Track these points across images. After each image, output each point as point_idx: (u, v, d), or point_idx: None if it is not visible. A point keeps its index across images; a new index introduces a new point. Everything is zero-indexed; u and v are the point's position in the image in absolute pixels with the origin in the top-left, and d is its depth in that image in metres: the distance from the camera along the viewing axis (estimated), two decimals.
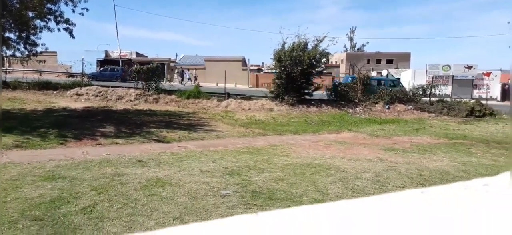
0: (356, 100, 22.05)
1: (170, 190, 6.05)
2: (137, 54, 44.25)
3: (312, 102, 21.35)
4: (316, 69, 21.84)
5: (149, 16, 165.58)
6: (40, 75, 29.03)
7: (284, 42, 20.89)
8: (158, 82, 21.91)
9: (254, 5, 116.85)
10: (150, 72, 21.48)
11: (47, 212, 4.97)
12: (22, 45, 14.74)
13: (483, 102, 23.29)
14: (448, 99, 23.58)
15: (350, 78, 26.33)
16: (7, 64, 27.66)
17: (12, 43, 14.52)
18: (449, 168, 8.71)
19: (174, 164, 8.10)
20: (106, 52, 42.99)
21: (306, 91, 21.66)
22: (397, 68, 45.49)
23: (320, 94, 22.90)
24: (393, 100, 21.97)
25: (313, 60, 20.78)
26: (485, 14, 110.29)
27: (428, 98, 23.12)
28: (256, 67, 45.62)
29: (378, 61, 56.03)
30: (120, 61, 39.11)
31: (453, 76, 33.97)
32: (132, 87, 21.56)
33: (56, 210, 5.05)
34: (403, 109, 21.23)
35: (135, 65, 23.89)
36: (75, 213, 4.98)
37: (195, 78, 34.20)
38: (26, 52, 15.15)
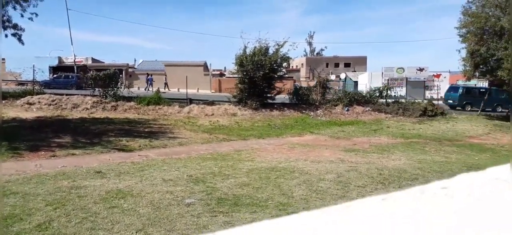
0: (317, 103, 22.58)
1: (132, 201, 5.85)
2: (93, 60, 42.52)
3: (275, 106, 21.59)
4: (278, 74, 22.14)
5: (105, 20, 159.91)
6: None
7: (246, 47, 21.02)
8: (115, 89, 21.17)
9: (216, 6, 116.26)
10: (107, 79, 20.72)
11: None
12: None
13: (435, 102, 24.70)
14: (403, 100, 24.76)
15: (460, 88, 26.60)
16: None
17: None
18: (406, 166, 9.13)
19: (135, 174, 7.85)
20: (60, 58, 40.91)
21: (268, 95, 21.87)
22: (355, 71, 47.12)
23: (283, 98, 23.22)
24: (352, 102, 22.73)
25: (274, 65, 21.05)
26: (434, 20, 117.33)
27: (385, 100, 24.15)
28: (218, 72, 45.40)
29: (337, 65, 57.78)
30: (75, 67, 37.38)
31: (406, 78, 35.72)
32: (88, 95, 20.68)
33: (9, 229, 4.71)
34: (361, 110, 22.02)
35: (91, 72, 22.93)
36: (29, 230, 4.68)
37: (165, 84, 33.41)
38: None
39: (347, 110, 21.97)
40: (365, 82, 32.79)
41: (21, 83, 28.47)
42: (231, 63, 23.56)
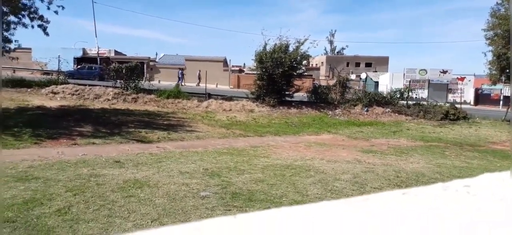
0: (336, 103, 22.35)
1: (148, 192, 5.96)
2: (116, 52, 43.40)
3: (293, 104, 21.51)
4: (297, 71, 22.04)
5: (129, 13, 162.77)
6: (14, 72, 28.02)
7: (266, 44, 20.99)
8: (137, 81, 21.54)
9: (236, 5, 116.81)
10: (129, 71, 21.10)
11: (19, 214, 4.80)
12: None
13: (457, 106, 24.06)
14: (425, 103, 24.23)
15: None
16: None
17: None
18: (425, 170, 8.94)
19: (153, 165, 7.99)
20: (84, 50, 41.96)
21: (287, 92, 21.80)
22: (376, 71, 46.39)
23: (301, 96, 23.10)
24: (371, 103, 22.40)
25: (294, 62, 20.95)
26: (457, 21, 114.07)
27: (405, 102, 23.68)
28: (238, 68, 45.56)
29: (357, 65, 57.05)
30: (98, 59, 38.25)
31: (429, 80, 34.92)
32: (110, 86, 21.11)
33: (29, 212, 4.88)
34: (381, 112, 21.67)
35: (114, 64, 23.40)
36: (49, 215, 4.83)
37: (199, 79, 33.81)
38: None
39: (367, 110, 21.66)
40: (386, 83, 32.24)
41: (47, 73, 29.32)
42: (251, 59, 23.64)
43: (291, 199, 6.03)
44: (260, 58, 20.70)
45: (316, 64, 54.15)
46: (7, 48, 14.88)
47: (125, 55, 43.83)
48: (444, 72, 35.15)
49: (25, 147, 9.38)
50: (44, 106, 16.47)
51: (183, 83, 31.36)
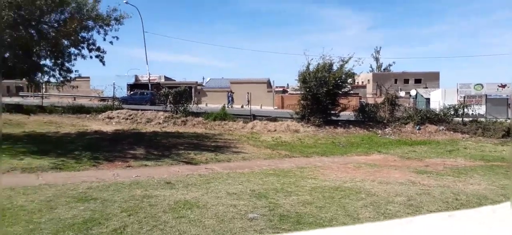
0: (385, 121, 21.56)
1: (198, 212, 6.06)
2: (166, 78, 45.49)
3: (339, 123, 21.07)
4: (342, 90, 21.66)
5: (176, 41, 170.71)
6: (74, 99, 30.34)
7: (309, 64, 20.94)
8: (185, 105, 22.35)
9: (279, 27, 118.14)
10: (178, 95, 21.98)
11: (79, 233, 5.08)
12: (57, 71, 15.47)
13: None
14: (483, 119, 22.62)
15: None
16: (44, 90, 29.05)
17: (48, 70, 15.28)
18: (487, 192, 8.27)
19: (202, 186, 8.14)
20: (136, 76, 44.46)
21: (332, 112, 21.44)
22: (426, 87, 44.32)
23: (347, 115, 22.59)
24: (423, 120, 21.33)
25: (338, 81, 20.65)
26: (507, 33, 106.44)
27: (461, 119, 22.28)
28: (281, 89, 45.75)
29: (406, 81, 54.94)
30: (149, 85, 40.29)
31: (486, 95, 32.67)
32: (161, 110, 22.08)
33: (88, 231, 5.15)
34: (434, 130, 20.55)
35: (164, 89, 24.52)
36: (106, 234, 5.06)
37: (248, 101, 34.42)
38: (61, 78, 15.85)
39: (419, 128, 20.65)
40: (438, 99, 30.59)
41: (103, 99, 31.40)
42: (294, 79, 23.61)
43: (341, 223, 5.83)
44: (304, 78, 20.65)
45: (362, 82, 52.90)
46: (68, 78, 16.11)
47: (174, 80, 45.80)
48: (503, 86, 32.72)
49: (85, 169, 10.00)
50: (101, 131, 17.55)
51: (232, 106, 31.89)
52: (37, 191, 7.39)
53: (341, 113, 22.02)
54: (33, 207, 6.28)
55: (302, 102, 21.55)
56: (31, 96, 34.11)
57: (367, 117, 22.04)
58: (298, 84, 21.90)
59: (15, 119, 18.88)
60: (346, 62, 20.84)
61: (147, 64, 41.07)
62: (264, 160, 12.65)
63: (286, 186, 8.38)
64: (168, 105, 22.26)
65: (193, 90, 39.13)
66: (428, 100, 34.40)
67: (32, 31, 13.65)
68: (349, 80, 22.82)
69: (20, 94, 38.82)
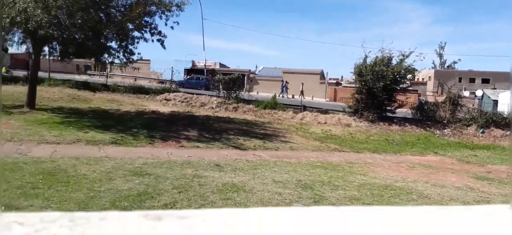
0: (445, 121, 20.26)
1: (244, 196, 6.20)
2: (221, 64, 46.50)
3: (394, 120, 20.19)
4: (400, 86, 20.68)
5: (233, 28, 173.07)
6: (135, 80, 32.16)
7: (366, 56, 20.20)
8: (238, 92, 22.74)
9: (336, 18, 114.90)
10: (231, 82, 22.41)
11: (133, 204, 5.45)
12: (121, 53, 16.47)
13: None
14: None
15: None
16: (108, 70, 31.11)
17: (113, 51, 16.32)
18: None
19: (249, 171, 8.30)
20: (193, 62, 45.94)
21: (388, 108, 20.57)
22: (495, 88, 40.78)
23: (404, 112, 21.56)
24: (488, 123, 19.71)
25: (397, 76, 19.72)
26: None
27: None
28: (335, 81, 44.71)
29: (472, 80, 50.99)
30: (205, 70, 41.46)
31: None
32: (214, 96, 22.69)
33: (142, 203, 5.51)
34: (500, 134, 18.93)
35: (218, 75, 25.13)
36: (157, 208, 5.38)
37: (301, 92, 33.82)
38: (124, 60, 16.86)
39: (482, 132, 19.14)
40: (508, 101, 28.06)
41: (161, 82, 32.94)
42: (349, 72, 22.95)
43: None
44: (360, 71, 19.99)
45: (423, 79, 50.02)
46: (131, 59, 17.10)
47: (229, 67, 46.66)
48: None
49: (141, 146, 10.63)
50: (158, 111, 18.48)
51: (286, 96, 31.48)
52: (98, 162, 8.02)
53: (397, 110, 21.06)
54: (94, 176, 6.83)
55: (356, 95, 20.93)
56: (97, 75, 36.73)
57: (425, 116, 20.86)
58: (353, 77, 21.27)
59: (82, 95, 20.50)
60: (407, 56, 19.83)
61: (204, 50, 42.26)
62: (312, 151, 12.54)
63: (334, 179, 8.27)
64: (221, 91, 22.79)
65: (245, 77, 39.62)
66: (495, 102, 31.67)
67: (101, 14, 14.63)
68: (409, 76, 21.69)
69: (88, 72, 41.97)
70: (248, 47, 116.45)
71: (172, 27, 16.43)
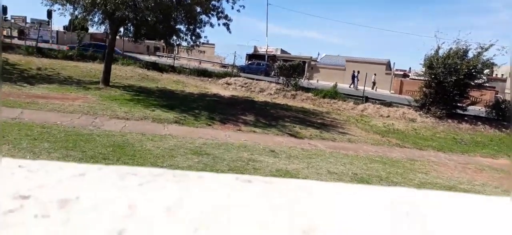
0: None
1: None
2: (282, 51, 46.43)
3: (465, 118, 18.69)
4: (475, 81, 19.00)
5: (297, 14, 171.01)
6: (200, 63, 33.45)
7: (439, 47, 18.83)
8: (297, 79, 22.60)
9: (406, 5, 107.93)
10: (291, 69, 22.32)
11: None
12: (189, 36, 17.21)
13: None
14: None
15: None
16: (176, 52, 32.66)
17: (182, 34, 17.12)
18: None
19: (303, 160, 8.30)
20: (255, 47, 46.44)
21: (458, 104, 19.09)
22: None
23: (477, 110, 19.86)
24: None
25: (472, 70, 18.14)
26: None
27: None
28: (402, 73, 42.42)
29: None
30: (266, 56, 41.73)
31: None
32: (273, 82, 22.81)
33: None
34: None
35: (279, 62, 25.14)
36: None
37: (373, 83, 32.41)
38: (191, 43, 17.60)
39: None
40: None
41: (224, 66, 33.87)
42: (419, 63, 21.61)
43: None
44: (430, 63, 18.72)
45: (502, 75, 45.43)
46: (198, 42, 17.80)
47: (290, 54, 46.44)
48: None
49: (202, 127, 11.11)
50: (219, 94, 19.08)
51: (356, 86, 30.10)
52: (162, 139, 8.56)
53: (469, 107, 19.45)
54: (158, 152, 7.33)
55: (424, 89, 19.69)
56: (165, 56, 38.78)
57: (502, 116, 19.00)
58: (422, 69, 19.99)
59: (151, 75, 21.82)
60: (486, 49, 18.11)
61: (266, 36, 42.57)
62: (371, 145, 12.13)
63: (392, 176, 7.97)
64: (281, 78, 22.82)
65: (306, 65, 39.14)
66: None
67: None
68: (486, 71, 19.85)
69: (157, 53, 44.46)
70: (311, 34, 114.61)
71: (238, 10, 16.78)
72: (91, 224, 0.36)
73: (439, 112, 18.33)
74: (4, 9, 31.00)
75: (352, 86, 30.45)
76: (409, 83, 33.68)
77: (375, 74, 33.00)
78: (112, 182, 0.45)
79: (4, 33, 36.90)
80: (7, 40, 25.71)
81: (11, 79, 15.23)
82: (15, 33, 39.25)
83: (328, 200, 0.49)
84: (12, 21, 39.50)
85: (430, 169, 9.39)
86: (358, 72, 31.60)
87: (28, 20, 42.85)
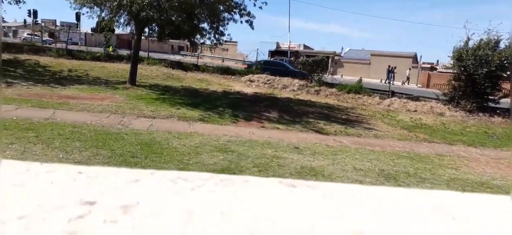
0: None
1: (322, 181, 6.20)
2: (305, 46, 46.10)
3: (497, 111, 17.96)
4: (507, 73, 18.23)
5: (319, 9, 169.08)
6: (223, 61, 33.70)
7: (468, 39, 18.18)
8: (320, 74, 22.38)
9: None
10: (314, 64, 22.13)
11: None
12: (212, 34, 17.36)
13: None
14: None
15: None
16: (199, 50, 33.05)
17: (205, 32, 17.28)
18: None
19: (328, 156, 8.23)
20: (277, 43, 46.32)
21: (490, 97, 18.37)
22: None
23: (510, 103, 19.03)
24: None
25: (504, 62, 17.41)
26: None
27: None
28: (429, 66, 41.18)
29: None
30: (289, 52, 41.53)
31: None
32: (296, 78, 22.69)
33: None
34: None
35: (302, 57, 24.97)
36: None
37: (407, 78, 31.67)
38: (215, 41, 17.74)
39: None
40: None
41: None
42: (447, 56, 20.95)
43: None
44: (459, 55, 18.11)
45: None
46: (221, 40, 17.92)
47: (313, 49, 46.04)
48: None
49: (226, 124, 11.21)
50: (242, 92, 19.17)
51: (392, 82, 29.13)
52: (187, 137, 8.71)
53: (502, 100, 18.68)
54: (184, 150, 7.46)
55: (453, 82, 19.08)
56: (189, 55, 39.28)
57: None
58: (451, 62, 19.36)
59: (175, 74, 22.19)
60: None
61: (289, 32, 42.32)
62: (398, 141, 11.87)
63: (420, 172, 7.78)
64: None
65: (329, 60, 38.69)
66: None
67: None
68: None
69: (181, 52, 45.11)
70: (334, 28, 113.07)
71: (260, 7, 16.76)
72: (155, 230, 0.38)
73: (469, 106, 17.72)
74: (35, 13, 32.30)
75: (388, 81, 29.49)
76: (436, 77, 32.73)
77: (409, 69, 32.23)
78: (166, 187, 0.48)
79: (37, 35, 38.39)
80: (38, 43, 26.77)
81: (44, 81, 15.87)
82: (45, 36, 40.78)
83: (372, 204, 0.50)
84: (43, 24, 41.07)
85: (460, 165, 9.10)
86: (395, 67, 30.51)
87: (58, 23, 44.51)
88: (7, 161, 0.49)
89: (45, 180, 0.44)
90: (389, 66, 30.44)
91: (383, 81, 29.08)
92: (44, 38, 33.06)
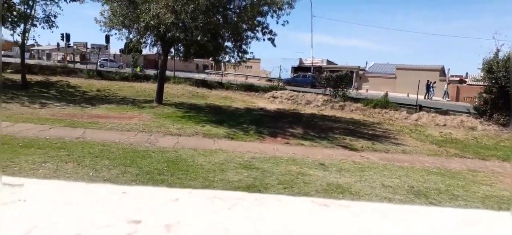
0: None
1: (350, 199, 6.08)
2: (328, 61, 45.87)
3: None
4: None
5: (342, 24, 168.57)
6: (246, 78, 34.03)
7: (498, 50, 17.61)
8: (345, 89, 22.17)
9: (459, 5, 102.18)
10: (338, 80, 21.96)
11: None
12: (236, 52, 17.65)
13: None
14: None
15: None
16: (223, 68, 33.56)
17: (229, 51, 17.59)
18: None
19: (355, 173, 8.07)
20: (300, 59, 46.35)
21: None
22: None
23: None
24: None
25: None
26: None
27: None
28: (458, 78, 39.96)
29: None
30: (312, 68, 41.45)
31: None
32: (320, 93, 22.57)
33: None
34: None
35: (325, 72, 24.86)
36: None
37: (445, 92, 31.33)
38: (238, 59, 18.02)
39: None
40: None
41: (270, 80, 34.17)
42: (477, 68, 20.29)
43: None
44: (490, 67, 17.51)
45: None
46: (244, 58, 18.18)
47: (336, 64, 45.74)
48: None
49: (250, 141, 11.24)
50: (266, 108, 19.23)
51: (431, 97, 28.64)
52: (212, 154, 8.78)
53: None
54: (209, 167, 7.52)
55: (484, 95, 18.41)
56: (213, 73, 39.96)
57: None
58: (481, 74, 18.74)
59: (200, 92, 22.57)
60: None
61: (311, 47, 42.37)
62: (428, 156, 11.50)
63: (452, 188, 7.48)
64: (328, 89, 22.52)
65: (354, 74, 38.29)
66: None
67: (219, 17, 15.88)
68: None
69: (206, 71, 45.94)
70: (357, 43, 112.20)
71: (283, 25, 16.98)
72: None
73: (502, 119, 17.01)
74: (67, 36, 33.92)
75: (428, 97, 28.89)
76: (466, 89, 31.70)
77: (447, 84, 31.65)
78: (204, 206, 0.49)
79: (68, 58, 40.15)
80: (70, 65, 28.00)
81: (75, 101, 16.52)
82: (77, 58, 42.62)
83: (406, 224, 0.49)
84: (74, 47, 42.99)
85: (495, 181, 8.69)
86: (434, 82, 30.35)
87: (89, 46, 46.55)
88: (55, 181, 0.52)
89: (92, 199, 0.47)
90: (428, 81, 30.05)
91: (425, 97, 28.35)
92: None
